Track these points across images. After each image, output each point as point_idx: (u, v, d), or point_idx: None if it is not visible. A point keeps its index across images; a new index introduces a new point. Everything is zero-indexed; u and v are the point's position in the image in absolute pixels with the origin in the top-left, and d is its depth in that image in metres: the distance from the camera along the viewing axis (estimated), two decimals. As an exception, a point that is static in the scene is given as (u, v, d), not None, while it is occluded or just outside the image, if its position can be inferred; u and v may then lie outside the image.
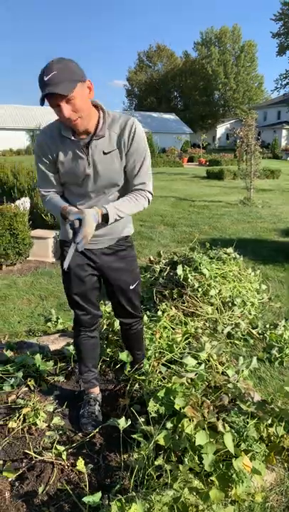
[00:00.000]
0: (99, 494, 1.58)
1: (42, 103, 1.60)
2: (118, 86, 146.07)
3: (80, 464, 1.67)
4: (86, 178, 1.85)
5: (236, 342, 3.19)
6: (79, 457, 2.00)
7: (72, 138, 1.77)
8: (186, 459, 1.73)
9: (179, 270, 3.43)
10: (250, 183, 10.71)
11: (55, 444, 2.00)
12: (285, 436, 2.03)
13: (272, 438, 2.05)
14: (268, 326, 3.44)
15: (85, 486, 1.82)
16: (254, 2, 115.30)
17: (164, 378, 2.40)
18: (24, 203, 5.90)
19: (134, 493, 1.58)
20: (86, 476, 1.68)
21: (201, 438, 1.72)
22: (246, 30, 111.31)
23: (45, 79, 1.52)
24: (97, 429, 2.16)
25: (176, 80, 53.65)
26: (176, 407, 1.98)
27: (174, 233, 6.96)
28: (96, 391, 2.34)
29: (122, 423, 2.00)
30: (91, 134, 1.78)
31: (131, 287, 2.16)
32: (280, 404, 2.17)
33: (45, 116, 37.84)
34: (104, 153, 1.80)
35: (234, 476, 1.69)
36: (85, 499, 1.55)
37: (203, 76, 51.99)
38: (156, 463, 1.70)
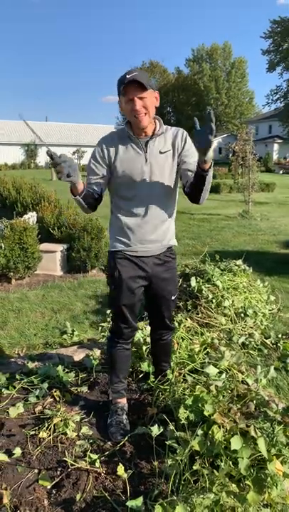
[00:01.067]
0: (140, 498, 1.63)
1: (122, 82, 1.82)
2: (111, 101, 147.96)
3: (120, 469, 1.72)
4: (141, 176, 1.99)
5: (251, 352, 3.27)
6: (111, 465, 2.06)
7: (133, 136, 1.97)
8: (221, 464, 1.79)
9: (193, 282, 3.52)
10: (248, 196, 10.90)
11: (88, 453, 2.04)
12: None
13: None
14: (280, 335, 3.52)
15: (121, 492, 1.86)
16: (245, 20, 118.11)
17: (187, 388, 2.46)
18: (31, 217, 5.98)
19: (174, 497, 1.64)
20: (127, 481, 1.73)
21: (236, 443, 1.79)
22: (237, 47, 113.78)
23: (128, 76, 1.80)
24: (126, 438, 2.21)
25: (169, 96, 54.49)
26: (206, 413, 2.04)
27: (178, 246, 7.07)
28: (124, 401, 2.40)
29: (155, 430, 2.05)
30: (150, 135, 2.00)
31: (172, 298, 2.27)
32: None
33: (39, 131, 38.20)
34: (161, 153, 2.01)
35: (269, 479, 1.75)
36: (129, 503, 1.60)
37: (196, 92, 52.93)
38: (194, 467, 1.76)
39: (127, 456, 2.13)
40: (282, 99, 41.93)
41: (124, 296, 2.18)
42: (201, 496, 1.62)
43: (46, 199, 7.02)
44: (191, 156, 2.04)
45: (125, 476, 1.71)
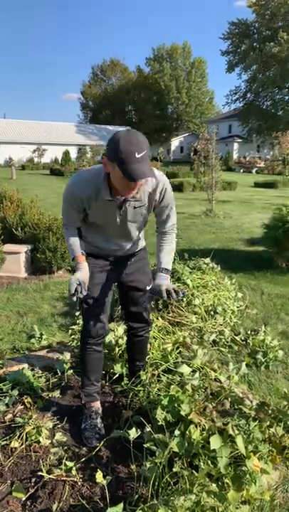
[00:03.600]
0: (121, 505, 1.60)
1: (131, 179, 1.68)
2: (71, 99, 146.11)
3: (99, 476, 1.68)
4: (114, 223, 2.05)
5: (222, 349, 3.30)
6: (88, 471, 2.01)
7: (110, 199, 1.92)
8: (200, 463, 1.79)
9: (163, 281, 3.50)
10: (211, 194, 11.06)
11: (64, 461, 1.98)
12: (285, 435, 2.13)
13: (272, 438, 2.15)
14: (249, 332, 3.58)
15: (99, 499, 1.82)
16: (204, 21, 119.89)
17: (162, 388, 2.44)
18: (-7, 218, 5.77)
19: (155, 501, 1.61)
20: (106, 487, 1.68)
21: (215, 442, 1.79)
22: (197, 48, 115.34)
23: (137, 156, 1.63)
24: (102, 443, 2.16)
25: (130, 94, 54.51)
26: (183, 413, 2.04)
27: (146, 245, 7.04)
28: (97, 405, 2.35)
29: (133, 433, 2.01)
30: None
31: (147, 287, 2.26)
32: (273, 405, 2.28)
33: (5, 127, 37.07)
34: (135, 208, 2.00)
35: (247, 476, 1.76)
36: (109, 511, 1.56)
37: (156, 90, 53.21)
38: (174, 469, 1.74)
39: (103, 461, 2.09)
40: (241, 100, 43.00)
41: (94, 289, 2.18)
42: (182, 497, 1.61)
43: (8, 198, 6.79)
44: (166, 206, 2.10)
45: (104, 482, 1.66)
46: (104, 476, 1.92)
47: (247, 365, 3.12)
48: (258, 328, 3.63)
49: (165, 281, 2.07)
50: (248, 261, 6.02)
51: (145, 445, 1.89)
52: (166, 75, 53.03)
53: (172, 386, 2.29)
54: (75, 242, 2.13)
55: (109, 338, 3.01)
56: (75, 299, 1.99)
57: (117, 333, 3.09)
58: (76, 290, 1.96)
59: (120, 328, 3.01)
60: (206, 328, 3.38)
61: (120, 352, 2.85)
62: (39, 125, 43.41)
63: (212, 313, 3.58)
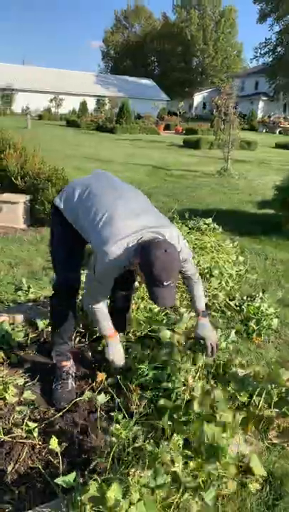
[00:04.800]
0: (73, 475, 1.49)
1: (154, 301, 1.75)
2: (94, 47, 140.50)
3: (54, 443, 1.57)
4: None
5: (213, 314, 3.13)
6: (51, 435, 1.91)
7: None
8: (174, 437, 1.66)
9: (157, 240, 3.31)
10: (227, 153, 10.57)
11: (26, 421, 1.88)
12: (264, 406, 1.99)
13: (251, 408, 2.01)
14: (245, 298, 3.40)
15: (58, 463, 1.72)
16: None
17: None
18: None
19: (111, 475, 1.50)
20: (60, 455, 1.58)
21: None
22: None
23: (166, 284, 1.66)
24: (70, 405, 2.05)
25: (154, 44, 51.85)
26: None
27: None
28: (69, 364, 2.23)
29: (102, 399, 1.90)
30: None
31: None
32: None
33: (13, 74, 35.88)
34: None
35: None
36: (58, 480, 1.46)
37: (182, 41, 50.38)
38: (136, 445, 1.62)
39: (69, 424, 1.98)
40: (270, 54, 40.44)
41: (67, 241, 2.06)
42: (138, 471, 1.49)
43: (12, 146, 6.53)
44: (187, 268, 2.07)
45: (58, 449, 1.55)
46: (65, 441, 1.84)
47: (237, 332, 2.96)
48: (255, 295, 3.45)
49: (212, 334, 2.19)
50: (256, 224, 5.74)
51: (113, 413, 1.76)
52: (193, 25, 49.94)
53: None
54: (107, 320, 2.05)
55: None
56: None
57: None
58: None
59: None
60: (199, 291, 3.20)
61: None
62: (58, 73, 41.85)
63: (207, 276, 3.39)
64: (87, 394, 2.01)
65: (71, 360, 2.25)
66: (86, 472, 1.64)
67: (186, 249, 2.01)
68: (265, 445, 1.95)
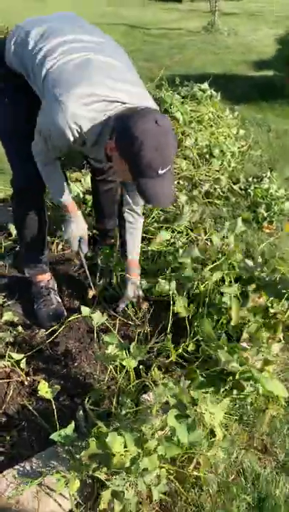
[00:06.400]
0: (72, 426, 1.20)
1: (146, 200, 1.29)
2: None
3: (44, 388, 1.25)
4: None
5: (216, 201, 2.70)
6: (40, 363, 1.62)
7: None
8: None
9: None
10: (214, 3, 8.98)
11: (8, 352, 1.56)
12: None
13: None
14: (250, 179, 2.93)
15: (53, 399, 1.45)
16: None
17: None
18: None
19: (117, 423, 1.22)
20: (53, 402, 1.28)
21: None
22: None
23: (160, 172, 1.21)
24: (61, 326, 1.73)
25: None
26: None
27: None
28: (46, 277, 1.85)
29: (98, 318, 1.54)
30: None
31: None
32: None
33: None
34: None
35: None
36: (54, 436, 1.17)
37: None
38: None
39: (60, 349, 1.67)
40: None
41: (19, 117, 1.52)
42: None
43: None
44: None
45: (49, 395, 1.24)
46: (62, 369, 1.55)
47: (246, 220, 2.57)
48: (262, 175, 2.98)
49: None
50: (254, 89, 4.97)
51: (106, 338, 1.41)
52: None
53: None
54: (62, 183, 1.54)
55: (75, 190, 2.38)
56: (82, 257, 1.71)
57: (85, 185, 2.45)
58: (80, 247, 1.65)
59: (88, 178, 2.34)
60: (198, 176, 2.72)
61: (88, 211, 2.25)
62: None
63: (207, 156, 2.87)
64: (84, 309, 1.61)
65: (48, 273, 1.87)
66: (86, 404, 1.35)
67: None
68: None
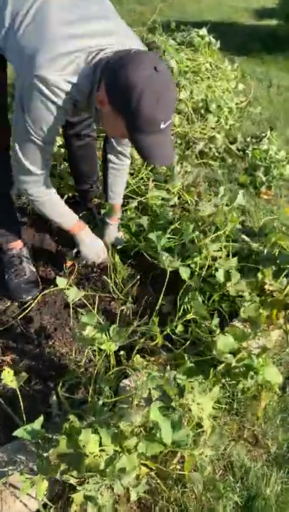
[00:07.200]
0: (40, 420, 1.05)
1: (148, 160, 1.14)
2: None
3: (8, 376, 1.08)
4: None
5: (211, 162, 2.47)
6: (9, 342, 1.45)
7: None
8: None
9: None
10: None
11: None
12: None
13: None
14: (248, 139, 2.70)
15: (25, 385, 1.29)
16: None
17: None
18: None
19: (93, 418, 1.07)
20: (19, 393, 1.12)
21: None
22: None
23: (162, 127, 1.04)
24: (31, 298, 1.55)
25: None
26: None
27: (120, 13, 5.30)
28: (18, 245, 1.66)
29: (73, 294, 1.35)
30: None
31: None
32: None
33: None
34: None
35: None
36: (18, 433, 1.02)
37: None
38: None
39: (34, 326, 1.50)
40: None
41: None
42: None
43: None
44: None
45: (14, 385, 1.08)
46: (35, 349, 1.38)
47: (242, 184, 2.37)
48: (261, 134, 2.74)
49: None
50: (256, 39, 4.59)
51: (83, 319, 1.24)
52: None
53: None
54: (64, 212, 1.45)
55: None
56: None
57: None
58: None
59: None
60: (192, 133, 2.47)
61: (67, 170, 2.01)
62: None
63: (202, 111, 2.61)
64: (61, 282, 1.42)
65: (20, 241, 1.66)
66: (60, 390, 1.20)
67: None
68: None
